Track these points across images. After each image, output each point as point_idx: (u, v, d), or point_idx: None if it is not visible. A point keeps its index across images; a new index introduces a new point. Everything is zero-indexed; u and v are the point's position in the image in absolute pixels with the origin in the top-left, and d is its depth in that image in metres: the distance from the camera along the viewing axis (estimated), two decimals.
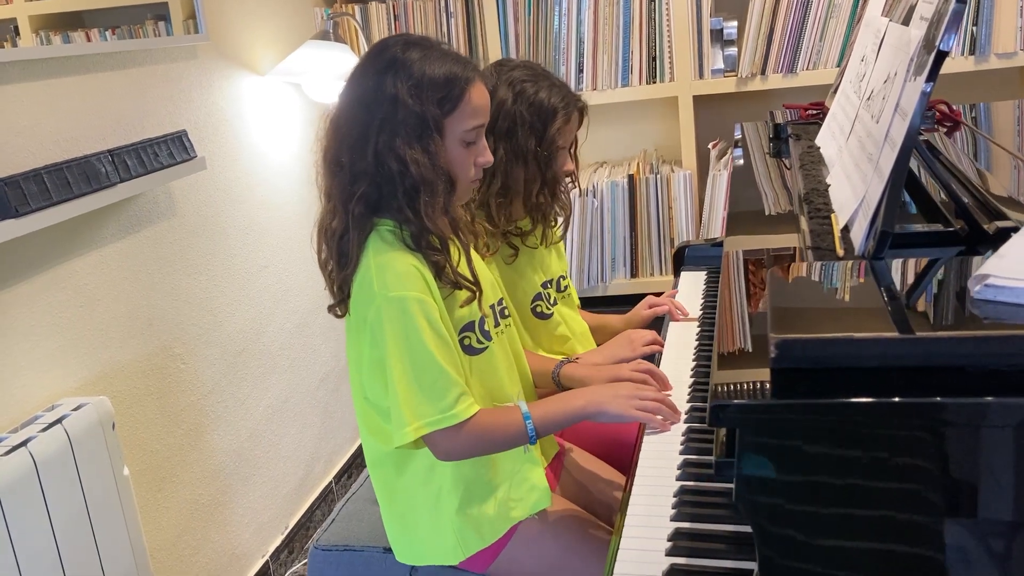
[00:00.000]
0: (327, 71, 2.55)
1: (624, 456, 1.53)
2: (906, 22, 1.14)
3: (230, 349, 2.37)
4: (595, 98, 2.87)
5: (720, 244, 2.04)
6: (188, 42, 2.21)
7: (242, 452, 2.41)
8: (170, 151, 1.99)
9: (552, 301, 1.84)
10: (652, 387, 1.45)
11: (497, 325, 1.52)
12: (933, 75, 0.92)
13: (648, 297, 1.95)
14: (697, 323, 1.80)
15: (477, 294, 1.41)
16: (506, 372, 1.51)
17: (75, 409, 1.67)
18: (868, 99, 1.25)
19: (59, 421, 1.62)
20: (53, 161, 1.70)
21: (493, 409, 1.42)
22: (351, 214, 1.37)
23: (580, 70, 2.87)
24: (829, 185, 1.29)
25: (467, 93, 1.38)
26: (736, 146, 2.26)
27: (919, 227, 1.11)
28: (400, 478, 1.43)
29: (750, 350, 1.01)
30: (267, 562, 2.49)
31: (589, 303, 2.95)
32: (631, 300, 2.93)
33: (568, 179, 1.85)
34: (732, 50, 2.79)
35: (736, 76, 2.77)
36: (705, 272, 2.11)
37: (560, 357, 1.81)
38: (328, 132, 1.41)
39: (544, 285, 1.84)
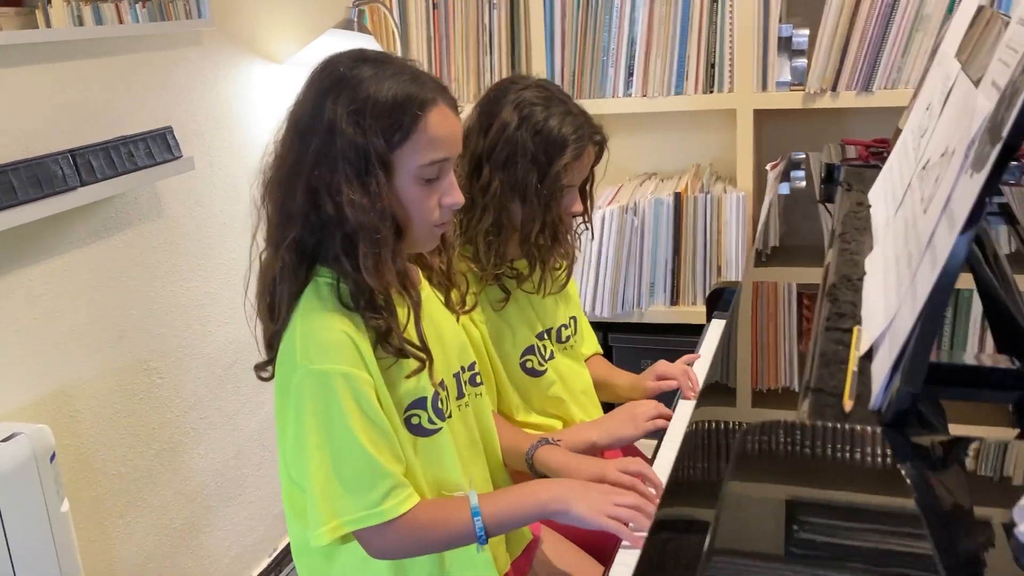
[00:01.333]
0: None
1: (609, 543, 1.29)
2: (978, 80, 0.87)
3: (220, 361, 2.20)
4: (645, 106, 2.60)
5: None
6: (189, 28, 2.02)
7: (226, 471, 2.24)
8: (149, 150, 1.80)
9: (548, 355, 1.60)
10: (634, 495, 1.21)
11: (461, 396, 1.30)
12: (995, 176, 0.66)
13: (659, 364, 1.68)
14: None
15: (427, 364, 1.18)
16: (467, 454, 1.29)
17: (4, 440, 1.51)
18: (924, 168, 0.98)
19: None
20: (8, 160, 1.53)
21: (436, 501, 1.20)
22: (282, 262, 1.16)
23: (630, 74, 2.60)
24: (864, 275, 1.02)
25: (422, 120, 1.15)
26: (792, 171, 1.99)
27: (972, 360, 0.84)
28: (330, 569, 1.22)
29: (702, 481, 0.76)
30: None
31: (621, 330, 2.71)
32: (667, 330, 2.68)
33: (579, 219, 1.61)
34: (801, 61, 2.49)
35: (803, 91, 2.46)
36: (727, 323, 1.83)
37: (548, 426, 1.57)
38: (270, 159, 1.19)
39: (540, 336, 1.60)
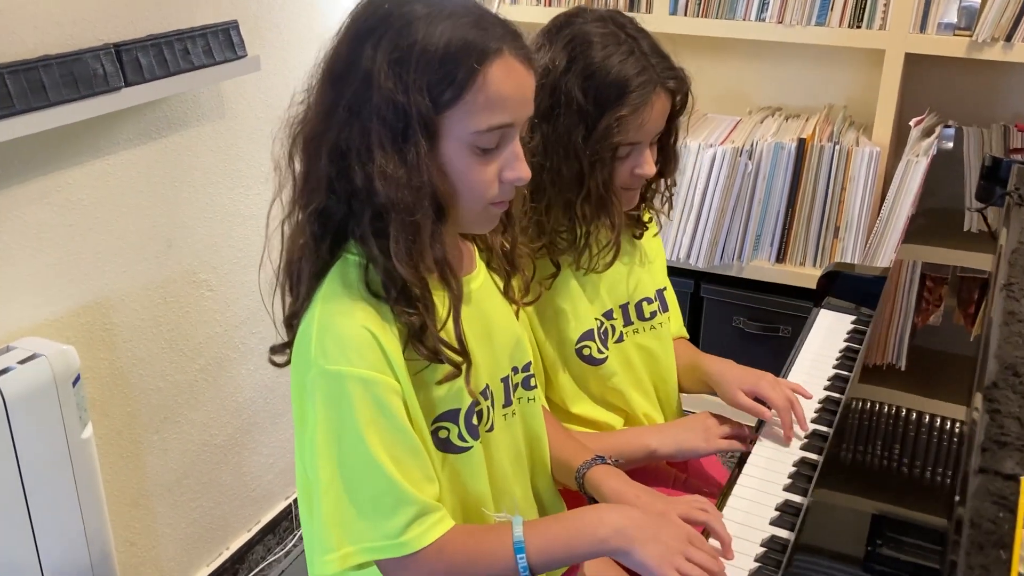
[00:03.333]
0: None
1: None
2: None
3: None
4: (779, 34, 2.27)
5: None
6: None
7: (275, 388, 2.13)
8: (209, 47, 1.61)
9: (617, 336, 1.38)
10: (710, 548, 1.00)
11: (509, 404, 1.10)
12: None
13: (763, 379, 1.34)
14: (803, 438, 1.28)
15: (464, 370, 0.99)
16: (509, 470, 1.10)
17: (23, 361, 1.40)
18: None
19: None
20: (44, 54, 1.36)
21: (471, 529, 1.02)
22: (305, 235, 0.97)
23: None
24: None
25: (480, 75, 0.92)
26: (944, 130, 1.68)
27: None
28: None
29: None
30: (290, 505, 2.25)
31: (715, 281, 2.46)
32: (768, 288, 2.42)
33: (656, 185, 1.36)
34: (973, 1, 2.11)
35: (970, 37, 2.09)
36: (853, 319, 1.58)
37: (605, 422, 1.37)
38: (299, 108, 0.99)
39: (608, 315, 1.38)
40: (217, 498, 2.01)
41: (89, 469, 1.51)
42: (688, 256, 2.39)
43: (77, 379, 1.47)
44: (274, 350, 1.06)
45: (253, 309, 2.00)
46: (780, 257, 2.38)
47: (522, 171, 0.98)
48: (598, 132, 1.21)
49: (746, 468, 1.19)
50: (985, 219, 1.26)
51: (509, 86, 0.94)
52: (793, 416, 1.28)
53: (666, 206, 1.42)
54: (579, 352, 1.34)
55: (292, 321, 1.02)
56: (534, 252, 1.26)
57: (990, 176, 1.38)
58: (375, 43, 0.92)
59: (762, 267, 2.38)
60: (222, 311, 1.91)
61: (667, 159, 1.36)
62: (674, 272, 2.47)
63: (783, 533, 1.05)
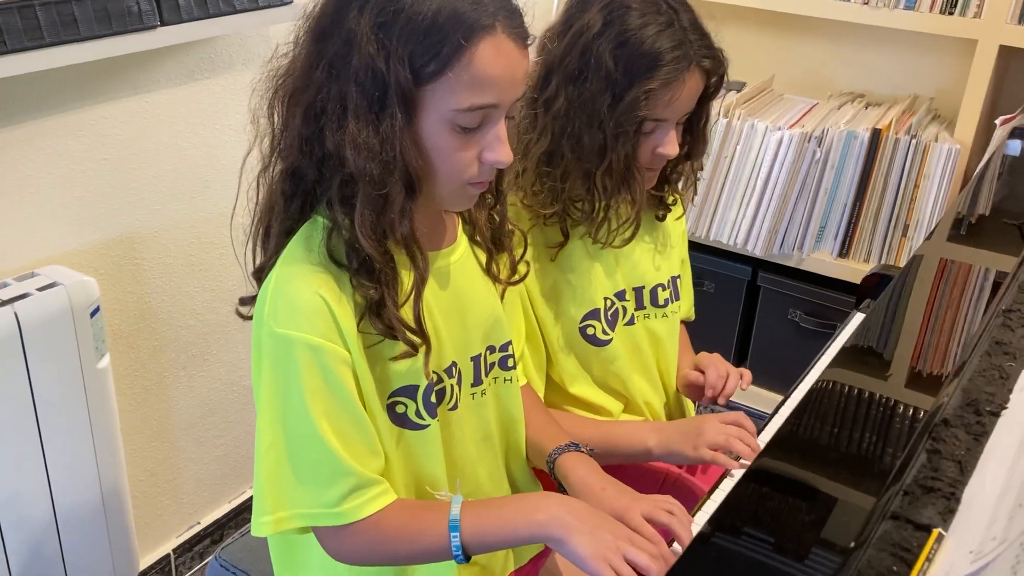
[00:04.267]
0: None
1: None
2: None
3: None
4: (864, 16, 2.14)
5: None
6: None
7: None
8: None
9: (627, 319, 1.32)
10: (654, 550, 0.95)
11: (478, 383, 1.07)
12: None
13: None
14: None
15: (424, 351, 0.96)
16: (473, 450, 1.07)
17: (42, 288, 1.43)
18: None
19: (10, 302, 1.38)
20: None
21: (411, 506, 1.00)
22: (276, 189, 0.95)
23: None
24: (1005, 409, 0.69)
25: (467, 52, 0.87)
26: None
27: None
28: (300, 537, 1.06)
29: None
30: None
31: (773, 271, 2.36)
32: (828, 283, 2.31)
33: (680, 168, 1.29)
34: None
35: None
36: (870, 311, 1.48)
37: (603, 407, 1.32)
38: (282, 61, 0.96)
39: (620, 295, 1.32)
40: (242, 438, 2.04)
41: (104, 399, 1.55)
42: (746, 242, 2.30)
43: (96, 310, 1.50)
44: (243, 301, 1.05)
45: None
46: (843, 252, 2.27)
47: (503, 154, 0.93)
48: (624, 103, 1.15)
49: (724, 483, 1.13)
50: (1021, 232, 1.16)
51: (497, 66, 0.89)
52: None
53: (690, 191, 1.35)
54: (583, 331, 1.29)
55: (260, 275, 1.01)
56: (544, 218, 1.22)
57: None
58: (362, 3, 0.88)
59: (823, 260, 2.28)
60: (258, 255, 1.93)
61: (695, 141, 1.29)
62: (731, 257, 2.39)
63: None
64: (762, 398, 2.49)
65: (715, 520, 0.85)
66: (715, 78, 1.21)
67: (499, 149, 0.93)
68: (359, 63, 0.87)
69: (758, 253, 2.30)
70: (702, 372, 1.35)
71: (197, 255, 1.79)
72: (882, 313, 1.23)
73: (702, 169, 1.34)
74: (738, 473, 1.14)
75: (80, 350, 1.48)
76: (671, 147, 1.21)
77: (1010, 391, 0.72)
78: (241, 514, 2.07)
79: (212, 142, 1.74)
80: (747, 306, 2.48)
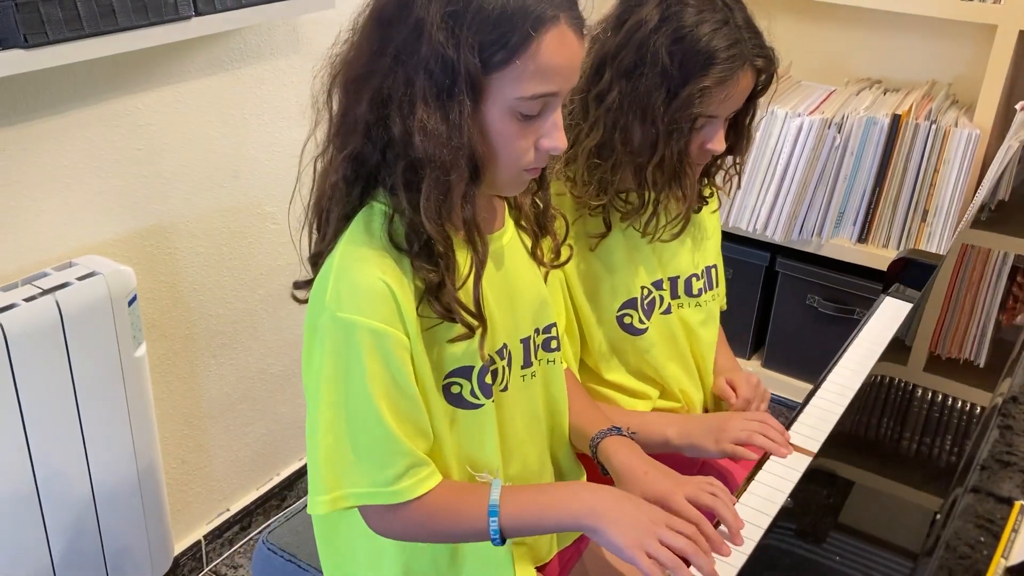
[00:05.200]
0: None
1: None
2: None
3: None
4: (884, 2, 2.15)
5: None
6: None
7: None
8: None
9: (664, 308, 1.34)
10: (691, 531, 0.97)
11: (528, 365, 1.09)
12: None
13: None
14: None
15: (480, 333, 0.98)
16: (523, 432, 1.09)
17: (82, 278, 1.45)
18: None
19: (52, 291, 1.40)
20: None
21: (456, 487, 1.02)
22: (336, 175, 0.97)
23: None
24: None
25: (535, 43, 0.89)
26: None
27: None
28: (343, 515, 1.08)
29: None
30: None
31: (792, 256, 2.38)
32: (847, 268, 2.32)
33: (720, 162, 1.31)
34: None
35: None
36: (917, 303, 1.50)
37: (638, 392, 1.34)
38: (343, 47, 0.98)
39: (657, 284, 1.34)
40: (271, 425, 2.06)
41: (141, 386, 1.57)
42: (765, 227, 2.31)
43: (133, 299, 1.52)
44: (297, 285, 1.07)
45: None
46: (862, 237, 2.29)
47: (559, 140, 0.95)
48: (680, 100, 1.17)
49: (768, 464, 1.15)
50: None
51: (561, 56, 0.91)
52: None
53: (728, 184, 1.37)
54: (620, 320, 1.31)
55: (317, 260, 1.03)
56: (591, 209, 1.23)
57: None
58: None
59: (842, 246, 2.29)
60: (286, 244, 1.94)
61: (739, 137, 1.31)
62: (750, 243, 2.41)
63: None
64: (780, 383, 2.51)
65: (786, 512, 0.87)
66: (765, 76, 1.23)
67: (556, 136, 0.94)
68: (429, 51, 0.89)
69: (777, 239, 2.31)
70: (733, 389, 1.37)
71: (227, 244, 1.81)
72: (924, 301, 1.24)
73: (743, 164, 1.35)
74: (779, 459, 1.16)
75: (119, 338, 1.50)
76: (719, 143, 1.22)
77: None
78: (269, 500, 2.09)
79: (240, 132, 1.76)
80: (765, 292, 2.50)
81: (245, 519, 2.05)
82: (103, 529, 1.57)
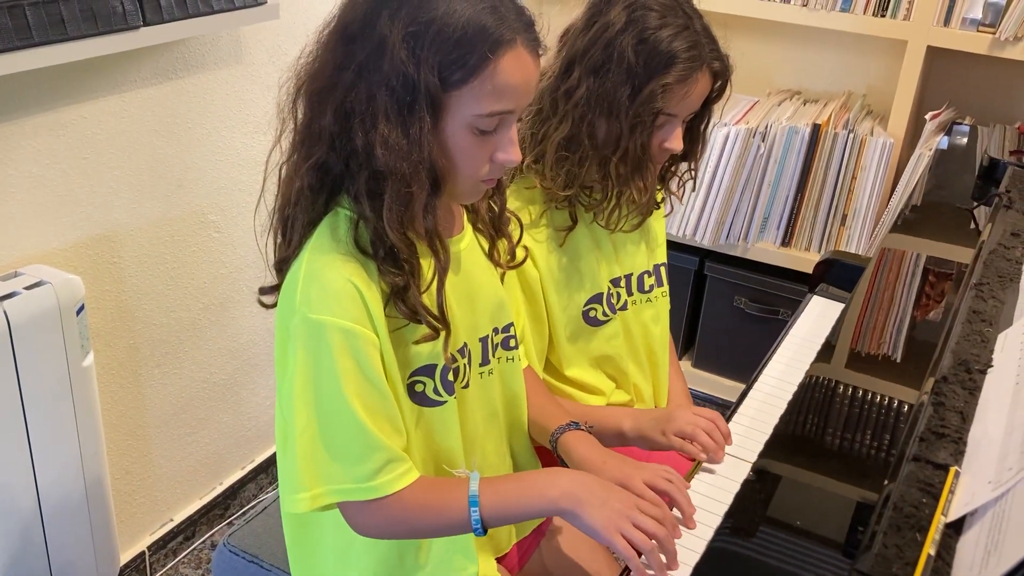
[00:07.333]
0: None
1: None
2: None
3: None
4: (802, 17, 2.27)
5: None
6: None
7: None
8: None
9: (621, 304, 1.41)
10: (659, 514, 1.03)
11: (486, 363, 1.14)
12: None
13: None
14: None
15: (443, 335, 1.02)
16: (481, 427, 1.14)
17: (30, 287, 1.44)
18: None
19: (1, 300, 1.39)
20: None
21: (433, 482, 1.06)
22: (301, 182, 1.00)
23: None
24: (991, 367, 0.79)
25: (492, 64, 0.94)
26: (955, 127, 1.68)
27: None
28: (312, 512, 1.11)
29: None
30: None
31: (720, 260, 2.48)
32: (771, 271, 2.43)
33: (678, 163, 1.38)
34: None
35: (993, 34, 2.08)
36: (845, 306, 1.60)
37: (596, 386, 1.40)
38: (308, 60, 1.01)
39: (616, 282, 1.40)
40: (213, 435, 2.06)
41: (89, 397, 1.56)
42: (695, 233, 2.40)
43: (81, 308, 1.51)
44: (263, 291, 1.09)
45: (259, 253, 2.03)
46: (786, 241, 2.40)
47: (514, 154, 1.00)
48: (643, 95, 1.24)
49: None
50: (974, 218, 1.27)
51: (517, 77, 0.97)
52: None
53: (682, 190, 1.44)
54: (585, 314, 1.37)
55: (282, 266, 1.05)
56: (557, 201, 1.29)
57: (987, 176, 1.39)
58: (394, 10, 0.93)
59: (767, 249, 2.40)
60: (228, 253, 1.95)
61: (694, 141, 1.38)
62: (679, 248, 2.50)
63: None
64: (710, 382, 2.61)
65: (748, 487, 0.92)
66: (720, 82, 1.30)
67: (511, 150, 1.00)
68: (390, 68, 0.93)
69: (706, 244, 2.41)
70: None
71: (170, 253, 1.81)
72: (859, 303, 1.31)
73: (696, 170, 1.42)
74: (713, 466, 1.20)
75: (67, 348, 1.49)
76: (676, 142, 1.29)
77: (991, 352, 0.82)
78: (213, 509, 2.09)
79: (185, 142, 1.76)
80: (694, 295, 2.59)
81: (189, 529, 2.04)
82: (49, 542, 1.56)
